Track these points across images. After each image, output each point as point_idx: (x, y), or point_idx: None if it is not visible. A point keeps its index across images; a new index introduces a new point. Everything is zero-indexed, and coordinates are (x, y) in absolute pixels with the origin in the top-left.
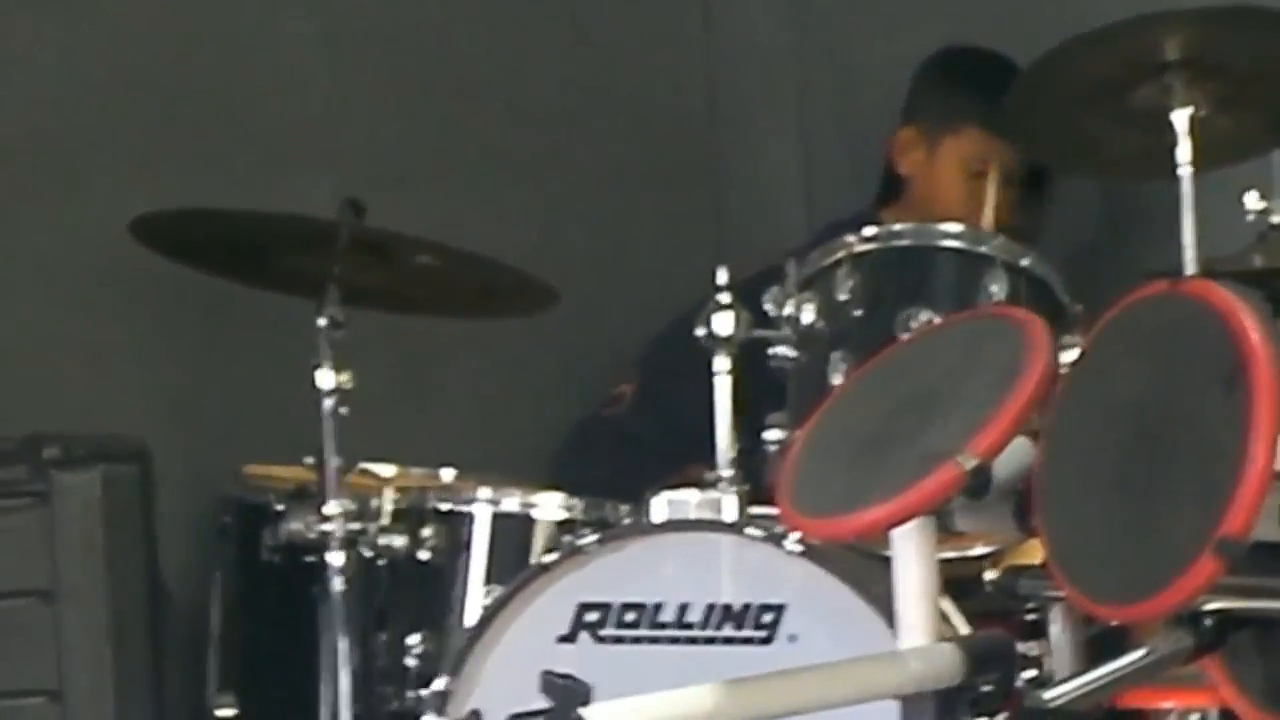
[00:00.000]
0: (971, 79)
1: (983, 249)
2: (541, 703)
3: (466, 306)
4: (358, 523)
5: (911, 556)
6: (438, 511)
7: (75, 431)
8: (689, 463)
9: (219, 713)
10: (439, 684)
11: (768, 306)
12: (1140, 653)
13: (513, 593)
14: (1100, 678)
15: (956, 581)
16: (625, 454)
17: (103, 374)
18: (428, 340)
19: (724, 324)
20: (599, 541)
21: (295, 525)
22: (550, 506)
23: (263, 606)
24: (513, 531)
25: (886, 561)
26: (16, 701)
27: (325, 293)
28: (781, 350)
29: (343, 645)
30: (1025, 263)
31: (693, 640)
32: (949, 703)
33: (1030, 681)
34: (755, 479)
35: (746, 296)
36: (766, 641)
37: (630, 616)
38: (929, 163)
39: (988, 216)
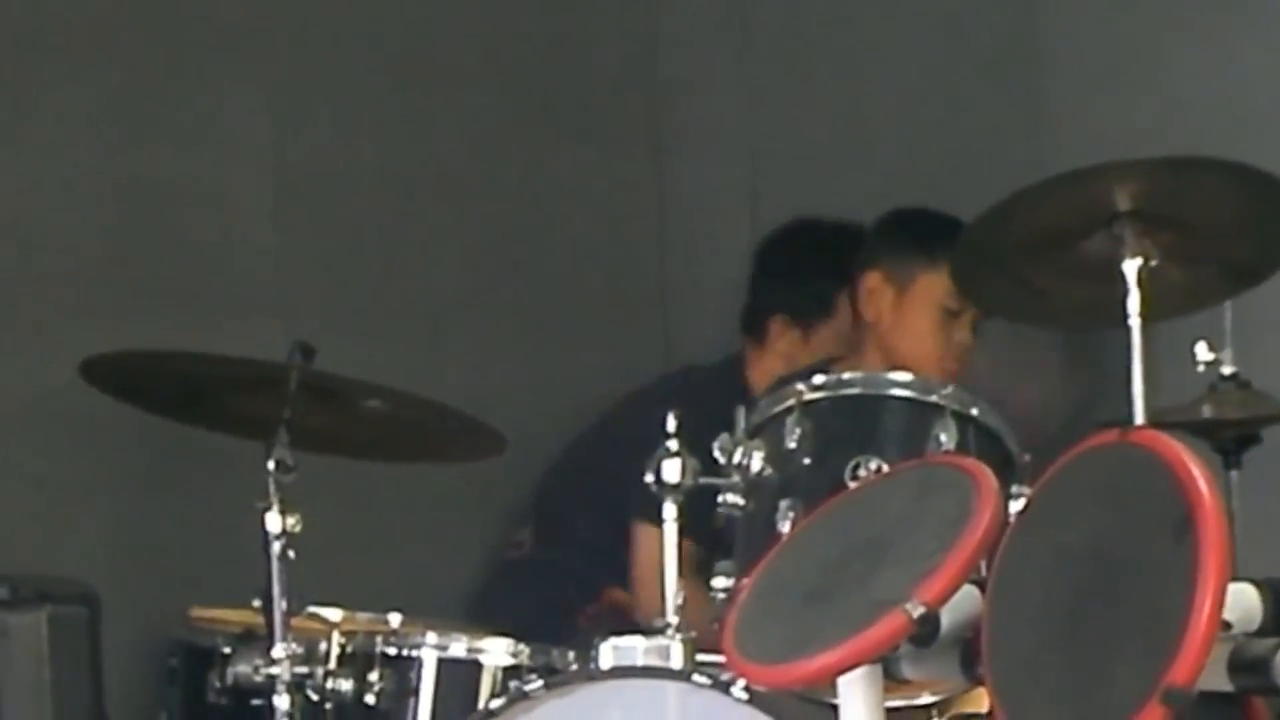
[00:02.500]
0: (938, 225)
1: (932, 398)
2: None
3: (415, 450)
4: (305, 666)
5: (858, 704)
6: (385, 656)
7: (22, 572)
8: (605, 586)
9: None
10: None
11: (716, 453)
12: None
13: None
14: None
15: None
16: (542, 586)
17: (51, 515)
18: (375, 483)
19: (672, 471)
20: (545, 687)
21: (242, 668)
22: (497, 652)
23: None
24: (460, 677)
25: (833, 709)
26: None
27: (274, 435)
28: (730, 498)
29: None
30: (975, 412)
31: None
32: None
33: None
34: None
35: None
36: None
37: None
38: (898, 303)
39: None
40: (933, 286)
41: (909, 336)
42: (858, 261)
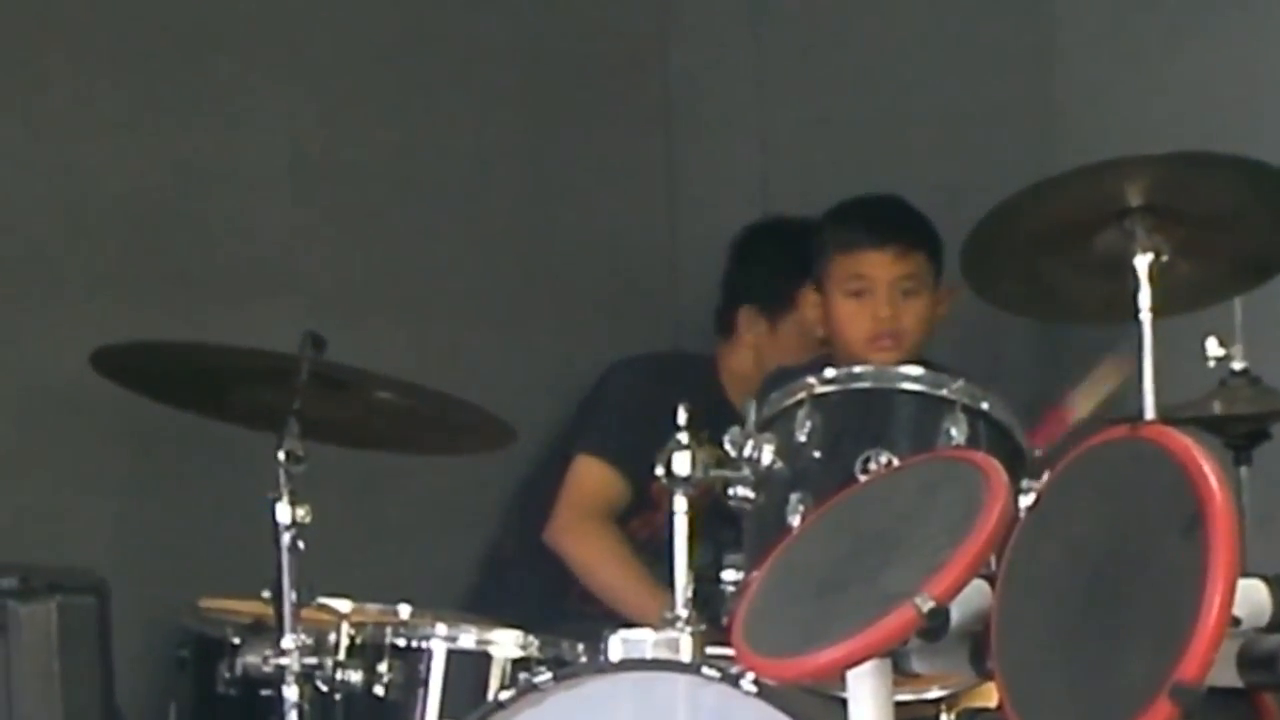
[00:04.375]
0: (829, 218)
1: (943, 392)
2: None
3: (424, 442)
4: (314, 657)
5: (867, 698)
6: (394, 647)
7: (32, 563)
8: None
9: None
10: None
11: (728, 446)
12: None
13: None
14: None
15: None
16: (529, 575)
17: (61, 505)
18: (386, 475)
19: (682, 463)
20: (555, 679)
21: (252, 659)
22: (506, 643)
23: None
24: (469, 668)
25: (842, 703)
26: None
27: (285, 426)
28: (740, 490)
29: None
30: (985, 406)
31: None
32: None
33: None
34: None
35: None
36: None
37: None
38: (824, 308)
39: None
40: (834, 280)
41: (836, 333)
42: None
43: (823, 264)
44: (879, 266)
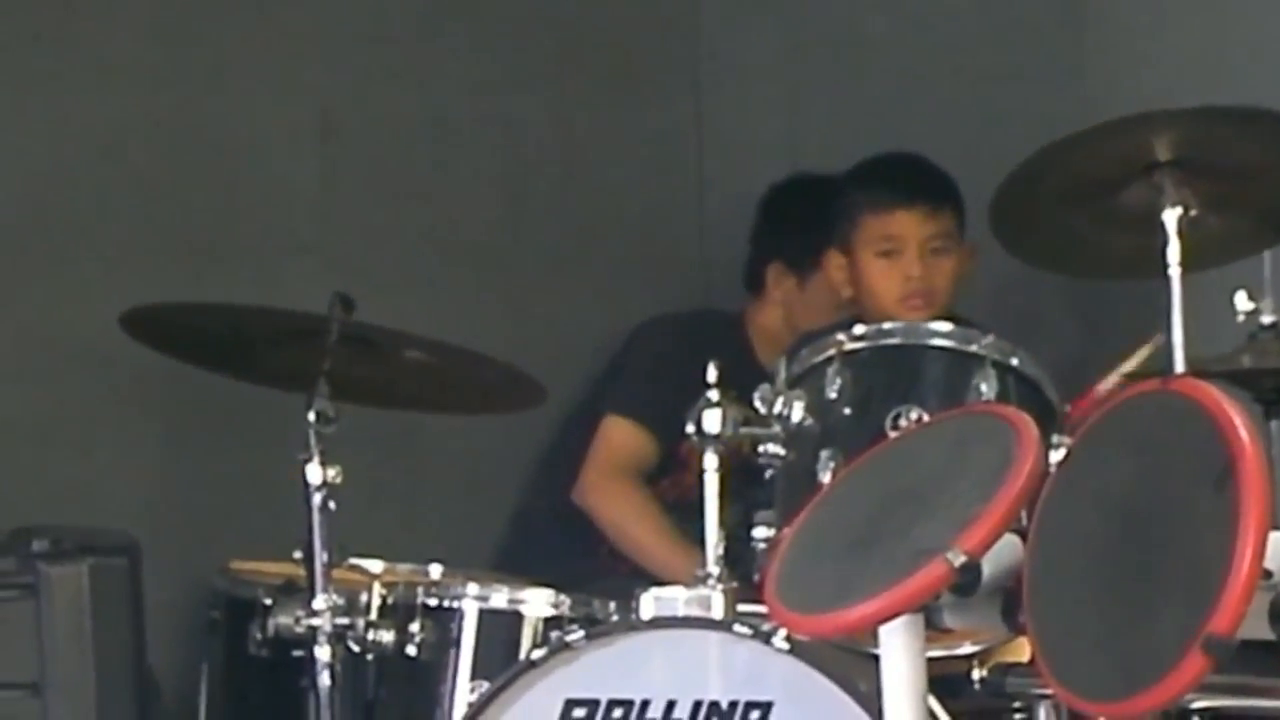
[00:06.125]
0: (852, 178)
1: (973, 348)
2: None
3: (455, 402)
4: (346, 618)
5: (899, 654)
6: (426, 607)
7: (64, 524)
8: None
9: None
10: None
11: (757, 404)
12: None
13: (500, 689)
14: None
15: (944, 679)
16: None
17: (92, 467)
18: (416, 434)
19: (713, 421)
20: (587, 638)
21: (283, 619)
22: (538, 602)
23: (250, 700)
24: (501, 627)
25: (874, 659)
26: None
27: (314, 387)
28: (770, 448)
29: None
30: (1015, 362)
31: None
32: None
33: None
34: None
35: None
36: None
37: (618, 713)
38: (852, 269)
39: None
40: (863, 241)
41: (865, 293)
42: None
43: (848, 225)
44: (909, 226)
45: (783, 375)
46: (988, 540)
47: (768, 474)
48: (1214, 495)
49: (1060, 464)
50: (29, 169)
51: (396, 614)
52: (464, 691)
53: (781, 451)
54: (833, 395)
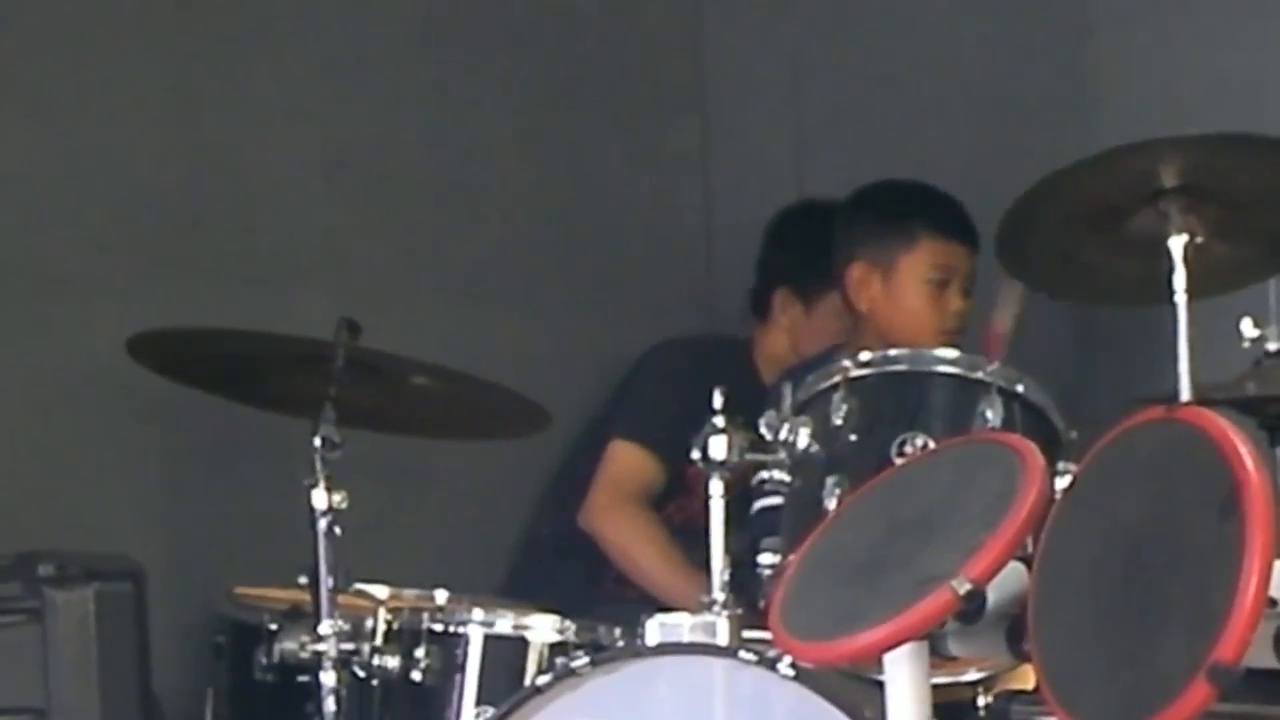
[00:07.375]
0: (910, 198)
1: (978, 375)
2: None
3: (461, 427)
4: (351, 643)
5: (904, 681)
6: (431, 633)
7: (69, 549)
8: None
9: None
10: None
11: (763, 430)
12: None
13: (505, 715)
14: None
15: (949, 706)
16: (568, 556)
17: (98, 492)
18: (422, 460)
19: (718, 447)
20: (592, 664)
21: (289, 645)
22: (543, 628)
23: None
24: (506, 653)
25: (879, 686)
26: None
27: (320, 413)
28: (776, 474)
29: None
30: (1020, 389)
31: None
32: None
33: None
34: None
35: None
36: None
37: None
38: (886, 288)
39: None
40: (915, 264)
41: (902, 317)
42: (838, 256)
43: (900, 243)
44: (961, 259)
45: (788, 401)
46: (993, 568)
47: (756, 505)
48: (1219, 523)
49: (1065, 491)
50: (37, 195)
51: (402, 639)
52: (469, 717)
53: (787, 478)
54: (838, 422)
